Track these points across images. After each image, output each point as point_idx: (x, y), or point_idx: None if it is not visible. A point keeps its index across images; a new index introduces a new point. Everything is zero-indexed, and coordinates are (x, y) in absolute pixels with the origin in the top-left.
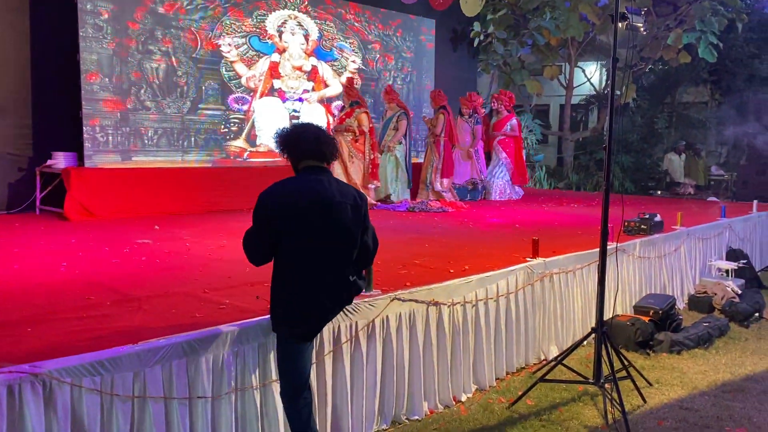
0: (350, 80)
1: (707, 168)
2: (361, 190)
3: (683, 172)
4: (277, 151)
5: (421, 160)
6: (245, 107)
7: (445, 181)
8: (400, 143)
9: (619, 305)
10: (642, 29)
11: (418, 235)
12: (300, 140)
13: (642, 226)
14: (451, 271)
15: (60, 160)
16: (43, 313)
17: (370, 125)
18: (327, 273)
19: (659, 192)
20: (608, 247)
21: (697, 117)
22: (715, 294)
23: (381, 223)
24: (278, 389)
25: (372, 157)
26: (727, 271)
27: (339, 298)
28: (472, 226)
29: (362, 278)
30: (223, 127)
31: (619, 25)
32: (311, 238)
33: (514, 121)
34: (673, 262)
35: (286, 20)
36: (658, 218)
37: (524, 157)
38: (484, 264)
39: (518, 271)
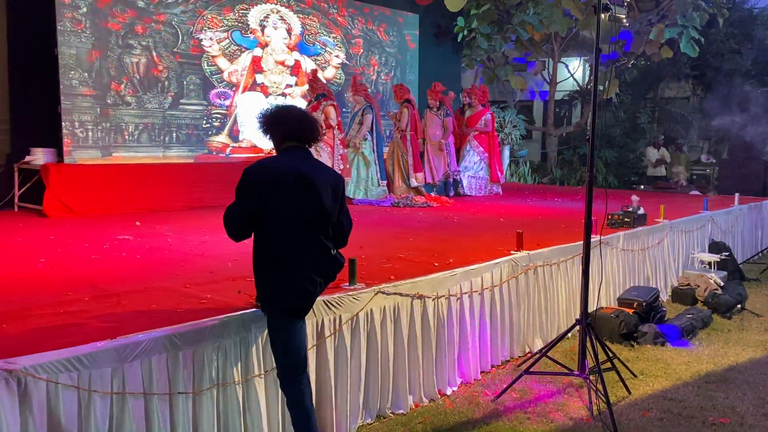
0: (314, 72)
1: (690, 162)
2: None
3: (663, 169)
4: (260, 130)
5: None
6: (227, 102)
7: (419, 175)
8: (366, 139)
9: (603, 298)
10: (624, 21)
11: (402, 230)
12: (283, 121)
13: (625, 219)
14: (436, 264)
15: (39, 157)
16: (18, 309)
17: (338, 119)
18: (308, 243)
19: (642, 186)
20: (592, 240)
21: (679, 112)
22: (698, 286)
23: (365, 218)
24: (261, 384)
25: (342, 152)
26: (709, 264)
27: (322, 270)
28: (457, 220)
29: (341, 255)
30: (205, 122)
31: (602, 16)
32: (292, 210)
33: (488, 115)
34: (656, 254)
35: (268, 14)
36: (641, 211)
37: (506, 153)
38: (468, 257)
39: (503, 264)
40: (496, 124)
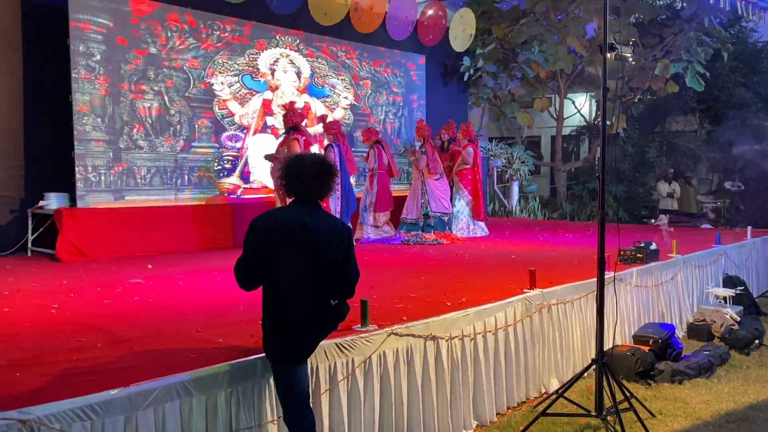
0: (289, 105)
1: (699, 196)
2: None
3: (675, 202)
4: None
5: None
6: (238, 144)
7: (380, 215)
8: None
9: (619, 335)
10: (630, 59)
11: (413, 268)
12: (294, 180)
13: (638, 255)
14: (448, 304)
15: (52, 201)
16: (32, 357)
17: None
18: (306, 293)
19: (653, 220)
20: (605, 277)
21: (687, 145)
22: (714, 322)
23: (375, 256)
24: (274, 430)
25: None
26: (724, 298)
27: (321, 320)
28: (468, 257)
29: (345, 305)
30: (216, 164)
31: (608, 55)
32: (291, 259)
33: (470, 149)
34: (670, 290)
35: (278, 58)
36: (653, 247)
37: (515, 188)
38: (481, 296)
39: (516, 302)
40: (503, 160)
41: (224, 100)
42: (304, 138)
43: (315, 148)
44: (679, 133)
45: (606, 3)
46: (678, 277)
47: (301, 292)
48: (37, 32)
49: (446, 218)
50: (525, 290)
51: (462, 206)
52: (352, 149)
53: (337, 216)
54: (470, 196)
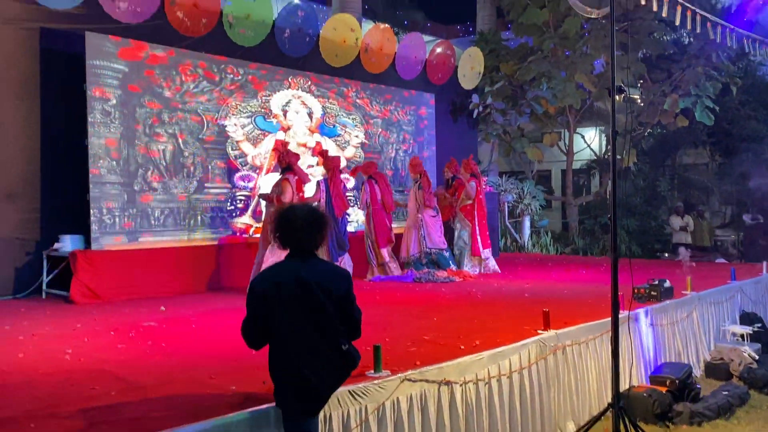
0: (279, 143)
1: (712, 229)
2: None
3: (689, 236)
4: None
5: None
6: (251, 184)
7: (382, 251)
8: None
9: (635, 375)
10: (639, 101)
11: (425, 308)
12: (284, 233)
13: (652, 293)
14: (462, 347)
15: (67, 243)
16: (46, 407)
17: (300, 194)
18: (316, 346)
19: (666, 254)
20: (620, 316)
21: (698, 178)
22: (732, 360)
23: (387, 295)
24: None
25: None
26: (742, 336)
27: (334, 370)
28: (481, 296)
29: (356, 352)
30: (229, 204)
31: (617, 98)
32: (295, 314)
33: (473, 183)
34: (686, 328)
35: (290, 100)
36: (667, 284)
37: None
38: (495, 338)
39: (530, 344)
40: (514, 195)
41: (237, 141)
42: (296, 178)
43: (312, 186)
44: (690, 166)
45: (613, 42)
46: (693, 314)
47: (310, 346)
48: (54, 77)
49: (447, 253)
50: (539, 331)
51: (469, 241)
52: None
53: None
54: (472, 232)
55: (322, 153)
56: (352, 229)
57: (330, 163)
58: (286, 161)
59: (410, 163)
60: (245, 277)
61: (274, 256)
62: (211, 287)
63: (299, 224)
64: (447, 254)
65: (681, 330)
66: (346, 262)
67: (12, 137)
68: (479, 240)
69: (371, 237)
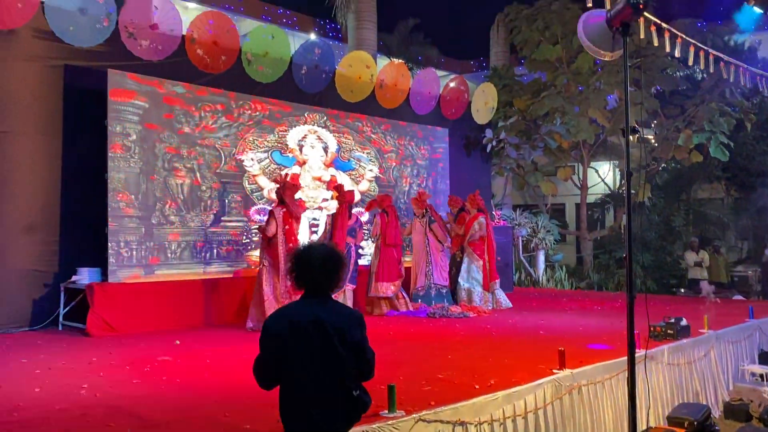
0: (281, 178)
1: (728, 265)
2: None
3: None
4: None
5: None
6: (266, 218)
7: (384, 285)
8: None
9: (652, 416)
10: (653, 140)
11: (439, 345)
12: (301, 273)
13: (668, 331)
14: (477, 386)
15: (84, 276)
16: None
17: (288, 227)
18: (327, 388)
19: (682, 290)
20: (636, 355)
21: (714, 213)
22: (752, 401)
23: (401, 331)
24: None
25: None
26: (761, 376)
27: (342, 414)
28: (495, 333)
29: (367, 395)
30: (245, 238)
31: (631, 138)
32: (307, 357)
33: (481, 219)
34: (704, 367)
35: (306, 135)
36: (684, 322)
37: (540, 258)
38: (509, 377)
39: (545, 384)
40: (528, 229)
41: (254, 176)
42: (283, 211)
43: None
44: (705, 200)
45: (626, 84)
46: (711, 354)
47: (320, 389)
48: (77, 113)
49: (444, 291)
50: (554, 371)
51: (480, 277)
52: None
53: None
54: (483, 267)
55: (337, 187)
56: (366, 262)
57: (342, 198)
58: (280, 194)
59: (418, 196)
60: None
61: (269, 286)
62: (225, 320)
63: (316, 264)
64: (445, 292)
65: (699, 369)
66: (347, 297)
67: (34, 171)
68: (488, 275)
69: (373, 270)
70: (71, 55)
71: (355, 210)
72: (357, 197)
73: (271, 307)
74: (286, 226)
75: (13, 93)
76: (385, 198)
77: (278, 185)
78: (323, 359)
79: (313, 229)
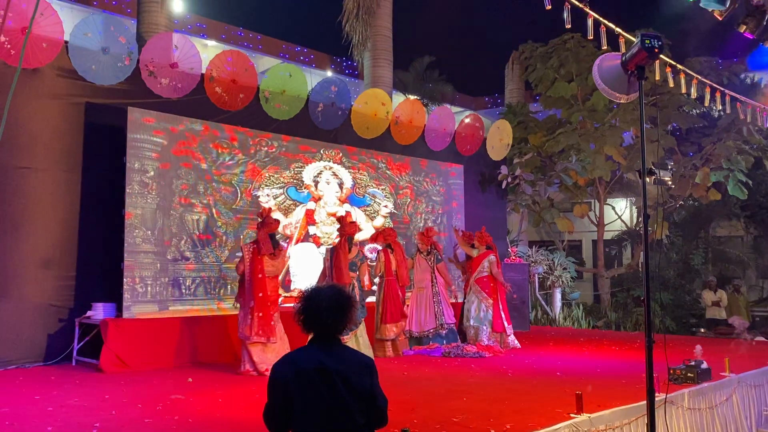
0: (266, 211)
1: (749, 304)
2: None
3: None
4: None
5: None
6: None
7: (390, 327)
8: None
9: None
10: (669, 182)
11: (454, 386)
12: (309, 316)
13: (689, 374)
14: (492, 431)
15: (99, 311)
16: None
17: (257, 264)
18: None
19: (702, 330)
20: (656, 399)
21: (733, 252)
22: None
23: (415, 371)
24: None
25: None
26: None
27: None
28: (511, 374)
29: None
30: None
31: (648, 180)
32: (313, 406)
33: (492, 257)
34: (726, 412)
35: (321, 171)
36: (704, 365)
37: (557, 296)
38: (526, 421)
39: (563, 429)
40: (544, 267)
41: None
42: (254, 247)
43: (320, 257)
44: (724, 238)
45: (642, 119)
46: (733, 398)
47: None
48: (96, 149)
49: (455, 330)
50: (572, 415)
51: (489, 315)
52: None
53: None
54: (494, 306)
55: (339, 219)
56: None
57: (343, 229)
58: (260, 228)
59: (424, 232)
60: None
61: (244, 326)
62: (239, 357)
63: (324, 306)
64: (455, 331)
65: (720, 414)
66: (361, 344)
67: (53, 206)
68: (502, 315)
69: (379, 309)
70: (92, 93)
71: (369, 246)
72: (361, 230)
73: (251, 350)
74: (256, 263)
75: (35, 130)
76: (390, 232)
77: (262, 218)
78: (330, 408)
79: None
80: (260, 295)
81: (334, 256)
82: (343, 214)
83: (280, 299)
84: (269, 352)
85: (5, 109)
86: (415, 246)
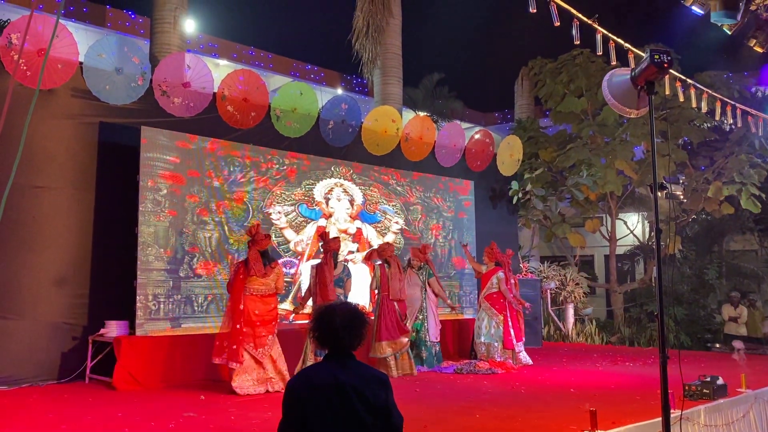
0: (255, 227)
1: (765, 319)
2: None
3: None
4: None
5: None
6: (292, 270)
7: (384, 345)
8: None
9: None
10: (682, 196)
11: (467, 403)
12: (323, 333)
13: (704, 390)
14: None
15: (112, 329)
16: None
17: (239, 276)
18: None
19: (717, 345)
20: (671, 416)
21: (747, 266)
22: None
23: (427, 388)
24: None
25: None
26: None
27: None
28: (524, 390)
29: None
30: None
31: (659, 194)
32: (329, 422)
33: (501, 274)
34: (743, 429)
35: (332, 188)
36: (720, 381)
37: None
38: None
39: None
40: (556, 282)
41: (281, 228)
42: (240, 265)
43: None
44: (738, 252)
45: (653, 134)
46: (750, 414)
47: None
48: (110, 168)
49: (436, 349)
50: None
51: (500, 332)
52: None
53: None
54: (505, 323)
55: (322, 235)
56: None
57: (327, 245)
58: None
59: (421, 248)
60: (290, 366)
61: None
62: None
63: (338, 323)
64: (437, 350)
65: (737, 431)
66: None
67: (67, 225)
68: (512, 332)
69: (374, 327)
70: (106, 112)
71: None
72: (344, 248)
73: (242, 370)
74: (238, 283)
75: (49, 150)
76: (387, 248)
77: (251, 235)
78: (346, 424)
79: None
80: (235, 315)
81: (319, 272)
82: (354, 231)
83: (291, 317)
84: (245, 376)
85: (24, 131)
86: (408, 260)
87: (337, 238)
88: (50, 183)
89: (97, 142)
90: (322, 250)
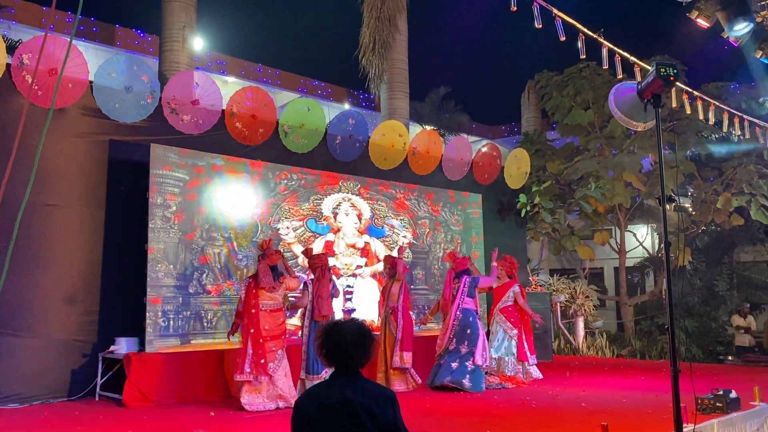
0: (266, 242)
1: None
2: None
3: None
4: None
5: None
6: (301, 285)
7: (406, 354)
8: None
9: None
10: (690, 209)
11: (477, 419)
12: (330, 350)
13: (717, 404)
14: None
15: (122, 346)
16: None
17: (254, 293)
18: None
19: (730, 357)
20: (684, 431)
21: (758, 277)
22: None
23: (438, 403)
24: None
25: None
26: None
27: None
28: (535, 405)
29: None
30: None
31: (668, 207)
32: None
33: (516, 288)
34: None
35: (340, 203)
36: (733, 394)
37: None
38: None
39: None
40: (566, 295)
41: (289, 243)
42: (250, 280)
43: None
44: (749, 263)
45: (660, 146)
46: (764, 428)
47: None
48: (120, 185)
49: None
50: None
51: (513, 346)
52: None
53: (303, 363)
54: (519, 336)
55: (305, 252)
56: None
57: (312, 263)
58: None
59: (395, 260)
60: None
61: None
62: None
63: (348, 340)
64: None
65: None
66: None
67: (77, 242)
68: (525, 345)
69: (396, 336)
70: (116, 130)
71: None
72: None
73: (251, 386)
74: (250, 298)
75: (60, 168)
76: (387, 260)
77: (263, 251)
78: None
79: (347, 296)
80: (252, 331)
81: (315, 287)
82: (362, 245)
83: (300, 332)
84: (255, 392)
85: (38, 150)
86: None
87: (322, 254)
88: (61, 201)
89: (107, 160)
90: (316, 267)
